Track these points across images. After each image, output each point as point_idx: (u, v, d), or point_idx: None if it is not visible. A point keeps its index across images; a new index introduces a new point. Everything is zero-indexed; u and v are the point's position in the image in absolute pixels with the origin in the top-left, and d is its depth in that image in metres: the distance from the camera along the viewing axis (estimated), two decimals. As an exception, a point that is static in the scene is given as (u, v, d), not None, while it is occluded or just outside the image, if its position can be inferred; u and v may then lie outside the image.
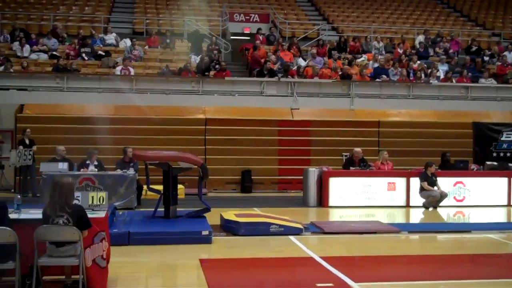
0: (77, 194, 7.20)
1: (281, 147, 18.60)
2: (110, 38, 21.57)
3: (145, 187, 13.10)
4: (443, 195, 14.59)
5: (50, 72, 18.71)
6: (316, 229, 11.13)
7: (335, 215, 13.94)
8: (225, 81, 19.30)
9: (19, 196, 7.26)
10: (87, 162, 14.38)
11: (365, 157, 15.60)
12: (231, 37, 24.00)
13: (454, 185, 15.26)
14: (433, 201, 14.56)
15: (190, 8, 24.81)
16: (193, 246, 9.43)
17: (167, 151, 13.26)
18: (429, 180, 14.59)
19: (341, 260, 8.67)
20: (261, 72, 19.63)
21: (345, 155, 16.54)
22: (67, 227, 6.31)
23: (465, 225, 12.97)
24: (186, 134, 17.82)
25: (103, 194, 7.73)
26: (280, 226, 10.57)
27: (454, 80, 20.91)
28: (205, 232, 9.80)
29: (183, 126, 17.99)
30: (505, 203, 15.39)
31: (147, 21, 23.70)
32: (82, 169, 14.03)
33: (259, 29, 23.54)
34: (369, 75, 20.63)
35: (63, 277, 6.72)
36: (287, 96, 19.28)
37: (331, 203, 14.77)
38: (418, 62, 21.74)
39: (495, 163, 16.87)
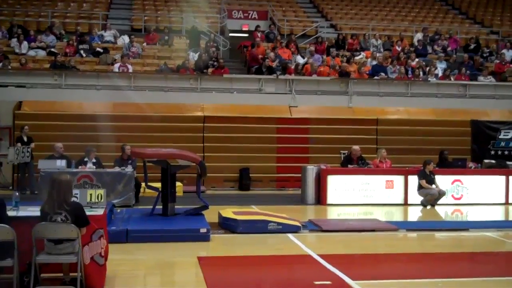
0: (75, 191, 7.19)
1: (279, 144, 18.61)
2: (109, 35, 21.51)
3: (143, 184, 13.08)
4: (441, 193, 14.60)
5: (48, 69, 18.69)
6: (314, 227, 11.13)
7: (333, 213, 13.94)
8: (223, 79, 19.29)
9: (17, 194, 7.25)
10: (85, 159, 14.35)
11: (363, 155, 15.60)
12: (230, 34, 23.99)
13: (452, 183, 15.27)
14: (431, 199, 14.57)
15: (188, 5, 24.76)
16: (191, 243, 9.43)
17: (166, 148, 13.25)
18: (427, 178, 14.59)
19: (339, 258, 8.67)
20: (260, 69, 19.62)
21: (343, 153, 16.55)
22: (65, 225, 6.30)
23: (463, 223, 13.00)
24: (184, 131, 17.81)
25: (101, 191, 7.72)
26: (278, 224, 10.57)
27: (452, 78, 20.91)
28: (203, 230, 9.80)
29: (181, 124, 17.98)
30: (503, 201, 15.40)
31: (145, 18, 23.67)
32: (80, 167, 14.01)
33: (258, 26, 23.51)
34: (367, 72, 20.63)
35: (61, 274, 6.71)
36: (285, 93, 19.29)
37: (329, 201, 14.78)
38: (416, 60, 21.74)
39: (493, 161, 16.88)
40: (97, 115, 17.62)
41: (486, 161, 16.80)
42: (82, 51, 20.08)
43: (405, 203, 14.95)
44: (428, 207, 14.57)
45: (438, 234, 11.24)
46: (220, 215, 11.12)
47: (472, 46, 23.83)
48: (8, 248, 6.14)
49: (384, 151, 15.76)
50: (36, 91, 17.97)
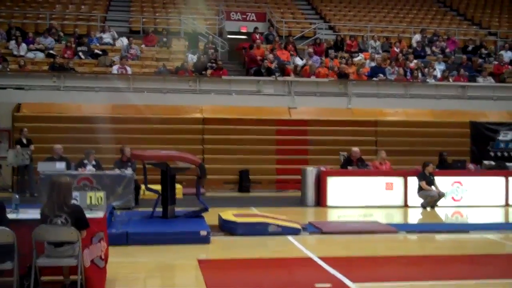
0: (75, 194, 7.16)
1: (278, 146, 18.61)
2: (107, 36, 21.50)
3: (143, 186, 13.06)
4: (441, 195, 14.59)
5: (47, 71, 18.69)
6: (314, 229, 11.12)
7: (333, 215, 13.93)
8: (222, 80, 19.29)
9: (17, 196, 7.23)
10: (85, 161, 14.33)
11: (362, 157, 15.60)
12: (228, 36, 23.98)
13: (452, 184, 15.26)
14: (431, 201, 14.56)
15: (186, 6, 24.79)
16: (191, 246, 9.41)
17: (165, 150, 13.23)
18: (427, 179, 14.59)
19: (339, 260, 8.66)
20: (259, 71, 19.61)
21: (343, 155, 16.54)
22: (65, 227, 6.28)
23: (463, 225, 12.95)
24: (183, 133, 17.81)
25: (101, 194, 7.73)
26: (278, 226, 10.56)
27: (451, 79, 20.94)
28: (203, 232, 9.78)
29: (180, 125, 17.99)
30: (503, 203, 15.39)
31: (144, 20, 23.67)
32: (79, 169, 13.99)
33: (256, 28, 23.51)
34: (366, 74, 20.63)
35: (62, 277, 6.69)
36: (284, 95, 19.29)
37: (329, 203, 14.76)
38: (415, 61, 21.75)
39: (492, 162, 16.86)
40: (96, 117, 17.59)
41: (485, 162, 16.79)
42: (80, 53, 20.07)
43: (405, 205, 14.95)
44: (428, 209, 14.56)
45: (438, 236, 11.24)
46: (220, 218, 11.10)
47: (470, 48, 23.85)
48: (8, 251, 6.12)
49: (384, 152, 15.76)
50: (35, 93, 17.96)
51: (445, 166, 15.95)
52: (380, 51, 22.82)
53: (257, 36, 22.69)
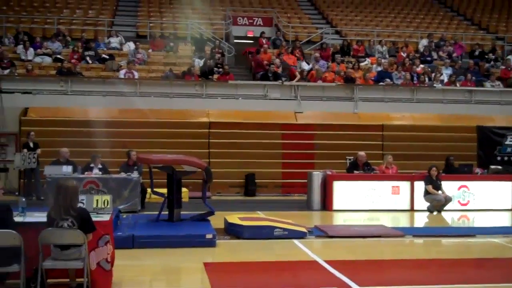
0: (81, 197, 7.20)
1: (285, 150, 18.60)
2: (114, 41, 21.59)
3: (149, 190, 13.08)
4: (447, 199, 14.56)
5: (54, 76, 18.77)
6: (320, 232, 11.11)
7: (339, 219, 13.92)
8: (228, 85, 19.32)
9: (23, 199, 7.27)
10: (91, 165, 14.38)
11: (369, 161, 15.58)
12: (235, 41, 24.04)
13: (459, 189, 15.23)
14: (437, 205, 14.53)
15: (193, 11, 24.86)
16: (197, 249, 9.43)
17: (171, 154, 13.25)
18: (433, 183, 14.56)
19: (345, 264, 8.65)
20: (266, 75, 19.63)
21: (349, 159, 16.53)
22: (72, 230, 6.31)
23: (470, 229, 12.93)
24: (190, 137, 17.84)
25: (107, 197, 7.72)
26: (284, 229, 10.55)
27: (458, 84, 20.90)
28: (209, 236, 9.80)
29: (186, 130, 18.01)
30: (510, 207, 15.32)
31: (151, 24, 23.74)
32: (86, 173, 14.04)
33: (263, 32, 23.56)
34: (372, 78, 20.63)
35: (68, 280, 6.72)
36: (290, 99, 19.31)
37: (335, 206, 14.75)
38: (422, 66, 21.73)
39: (499, 167, 16.81)
40: (103, 121, 17.67)
41: (492, 167, 16.73)
42: (88, 58, 20.16)
43: (411, 209, 14.91)
44: (435, 213, 14.53)
45: (444, 240, 11.20)
46: (226, 221, 11.11)
47: (477, 52, 23.81)
48: (15, 253, 6.15)
49: (390, 157, 15.74)
50: (42, 97, 18.05)
51: (451, 170, 15.91)
52: (387, 56, 22.82)
53: (264, 41, 22.74)
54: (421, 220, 14.05)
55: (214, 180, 13.15)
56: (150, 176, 12.03)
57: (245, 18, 25.40)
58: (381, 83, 20.35)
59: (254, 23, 25.35)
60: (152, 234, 9.98)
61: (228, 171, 17.79)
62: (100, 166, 14.42)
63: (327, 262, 8.62)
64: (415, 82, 20.74)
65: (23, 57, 19.83)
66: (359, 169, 15.30)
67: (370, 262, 9.06)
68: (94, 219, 6.63)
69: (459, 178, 15.45)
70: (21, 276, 6.22)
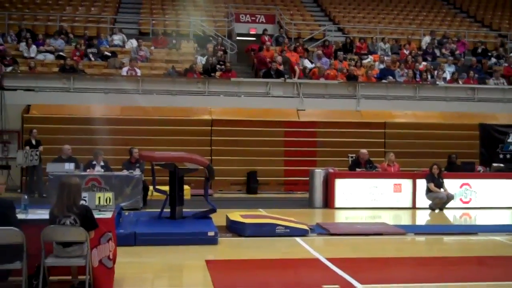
0: (83, 194, 7.20)
1: (287, 148, 18.59)
2: (117, 38, 21.60)
3: (151, 187, 13.11)
4: (449, 197, 14.56)
5: (57, 73, 18.79)
6: (322, 230, 11.12)
7: (341, 217, 13.93)
8: (231, 82, 19.33)
9: (26, 197, 7.28)
10: (93, 162, 14.40)
11: (371, 159, 15.58)
12: (237, 38, 24.03)
13: (461, 187, 15.24)
14: (439, 202, 14.53)
15: (196, 9, 24.85)
16: (199, 247, 9.43)
17: (174, 151, 13.26)
18: (435, 181, 14.56)
19: (347, 262, 8.64)
20: (269, 73, 19.63)
21: (351, 156, 16.52)
22: (74, 228, 6.33)
23: (472, 227, 12.90)
24: (192, 135, 17.84)
25: (109, 194, 7.73)
26: (286, 227, 10.55)
27: (460, 82, 20.88)
28: (211, 233, 9.80)
29: (189, 127, 18.00)
30: (512, 205, 15.36)
31: (153, 21, 23.74)
32: (88, 170, 14.06)
33: (265, 30, 23.55)
34: (375, 76, 20.61)
35: (70, 277, 6.74)
36: (293, 97, 19.31)
37: (337, 204, 14.76)
38: (424, 63, 21.70)
39: (501, 164, 16.83)
40: (105, 118, 17.68)
41: (494, 164, 16.74)
42: (90, 55, 20.17)
43: (413, 207, 14.92)
44: (437, 210, 14.53)
45: (446, 238, 11.21)
46: (227, 219, 11.12)
47: (480, 50, 23.76)
48: (17, 251, 6.16)
49: (392, 154, 15.75)
50: (44, 94, 18.06)
51: (454, 168, 15.90)
52: (390, 53, 22.80)
53: (266, 38, 22.72)
54: (423, 218, 14.05)
55: (216, 178, 13.20)
56: (152, 173, 12.05)
57: (248, 16, 25.37)
58: (383, 81, 20.34)
59: (257, 21, 25.32)
60: (154, 232, 10.01)
61: (230, 169, 17.79)
62: (102, 163, 14.43)
63: (329, 259, 8.62)
64: (417, 79, 20.71)
65: (25, 55, 19.85)
66: (361, 167, 15.31)
67: (372, 260, 9.05)
68: (96, 216, 6.64)
69: (461, 176, 15.45)
70: (23, 273, 6.22)
